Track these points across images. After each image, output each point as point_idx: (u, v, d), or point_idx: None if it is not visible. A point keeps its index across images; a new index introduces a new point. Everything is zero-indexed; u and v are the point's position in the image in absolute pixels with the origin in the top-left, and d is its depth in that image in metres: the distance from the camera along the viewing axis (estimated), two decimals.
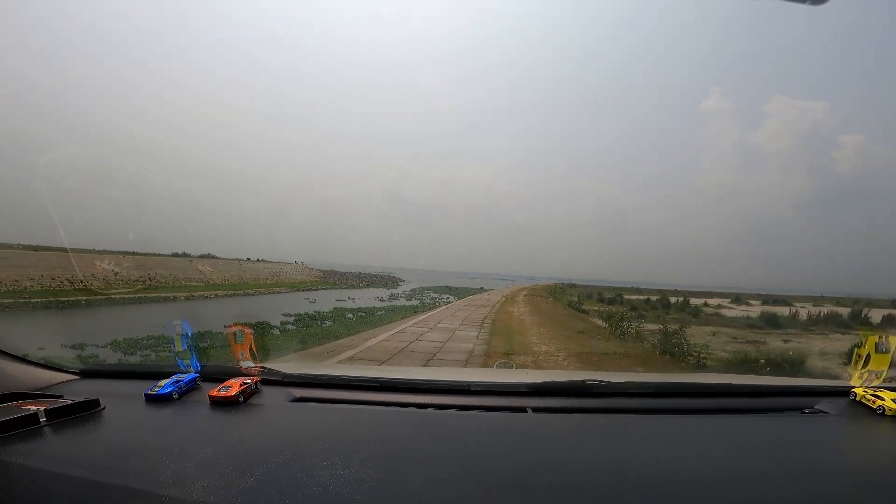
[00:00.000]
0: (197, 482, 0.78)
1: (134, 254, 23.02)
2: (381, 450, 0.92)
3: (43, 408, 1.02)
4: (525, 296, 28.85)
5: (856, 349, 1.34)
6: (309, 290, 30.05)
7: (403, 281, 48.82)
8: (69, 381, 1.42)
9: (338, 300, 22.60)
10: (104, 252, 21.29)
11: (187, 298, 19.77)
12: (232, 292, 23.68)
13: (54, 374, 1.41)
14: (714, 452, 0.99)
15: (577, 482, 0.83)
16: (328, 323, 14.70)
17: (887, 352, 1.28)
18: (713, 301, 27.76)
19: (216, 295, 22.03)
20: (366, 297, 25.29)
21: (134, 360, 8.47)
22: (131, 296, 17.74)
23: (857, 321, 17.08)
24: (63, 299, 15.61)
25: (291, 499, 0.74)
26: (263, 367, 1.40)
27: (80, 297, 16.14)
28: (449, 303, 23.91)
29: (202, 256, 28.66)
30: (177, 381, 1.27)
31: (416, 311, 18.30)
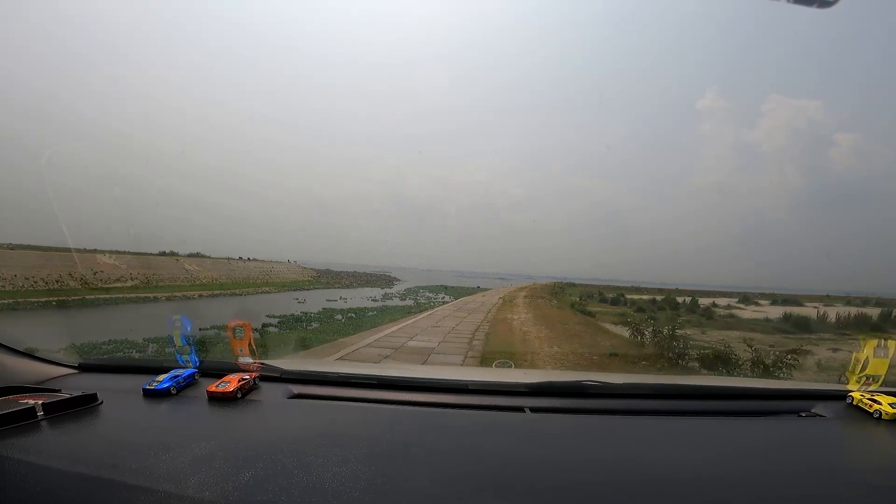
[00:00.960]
0: (194, 477, 0.78)
1: (117, 252, 22.18)
2: (378, 447, 0.92)
3: (40, 402, 1.02)
4: (525, 297, 25.20)
5: (854, 353, 1.33)
6: (300, 289, 29.32)
7: (399, 280, 48.23)
8: (67, 374, 1.41)
9: (328, 300, 21.79)
10: (83, 251, 20.49)
11: (168, 299, 18.87)
12: (218, 292, 22.79)
13: (52, 367, 1.40)
14: (710, 455, 0.98)
15: (574, 482, 0.82)
16: (315, 325, 13.93)
17: (885, 356, 1.26)
18: (721, 301, 26.30)
19: (200, 295, 21.13)
20: (358, 297, 24.51)
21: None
22: (105, 297, 16.77)
23: (890, 322, 15.93)
24: (33, 300, 14.73)
25: (288, 495, 0.73)
26: (262, 364, 1.39)
27: (51, 298, 15.19)
28: (444, 302, 23.06)
29: (191, 255, 27.99)
30: (175, 377, 1.26)
31: (409, 311, 17.52)
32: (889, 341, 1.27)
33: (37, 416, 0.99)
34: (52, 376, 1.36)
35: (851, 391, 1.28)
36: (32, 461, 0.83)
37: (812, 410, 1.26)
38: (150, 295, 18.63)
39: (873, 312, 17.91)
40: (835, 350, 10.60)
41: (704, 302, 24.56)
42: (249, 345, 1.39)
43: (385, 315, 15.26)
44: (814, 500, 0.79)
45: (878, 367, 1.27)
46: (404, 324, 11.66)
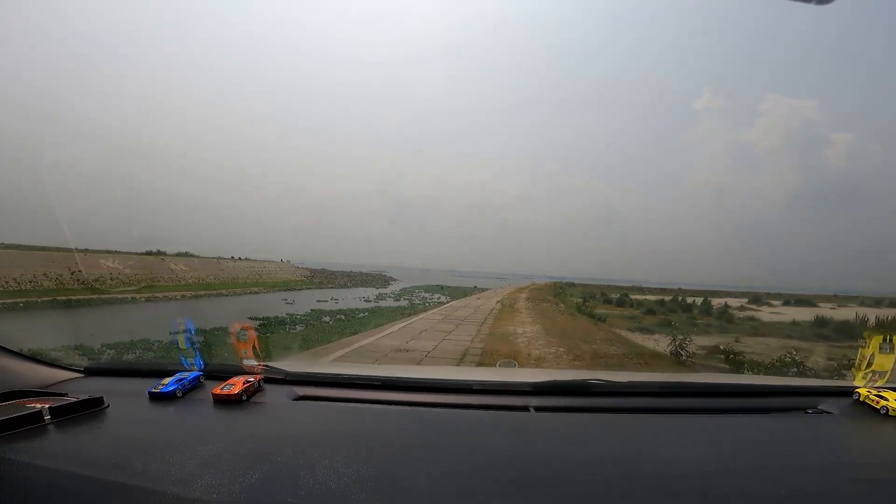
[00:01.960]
0: (200, 480, 0.78)
1: (101, 252, 21.21)
2: (383, 448, 0.92)
3: (47, 405, 1.02)
4: (527, 300, 22.15)
5: (860, 349, 1.31)
6: (291, 289, 28.42)
7: (395, 280, 47.40)
8: (73, 378, 1.42)
9: (318, 301, 20.87)
10: (61, 250, 19.55)
11: (148, 300, 17.86)
12: (203, 293, 21.80)
13: (59, 371, 1.41)
14: (717, 452, 0.97)
15: (579, 481, 0.82)
16: (300, 327, 13.04)
17: (892, 352, 1.24)
18: (730, 301, 24.37)
19: (183, 296, 20.13)
20: (350, 298, 23.58)
21: None
22: (79, 298, 15.77)
23: None
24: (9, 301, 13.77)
25: (294, 496, 0.73)
26: (266, 366, 1.39)
27: (18, 300, 14.19)
28: (440, 303, 22.14)
29: (179, 255, 27.11)
30: (180, 380, 1.26)
31: (403, 312, 16.60)
32: (895, 338, 1.24)
33: (44, 420, 0.99)
34: (58, 380, 1.37)
35: (858, 387, 1.27)
36: (40, 464, 0.84)
37: (819, 407, 1.24)
38: (126, 296, 17.59)
39: None
40: None
41: (715, 303, 22.91)
42: (254, 347, 1.39)
43: (370, 320, 14.27)
44: (821, 497, 0.78)
45: (885, 363, 1.25)
46: (365, 341, 8.40)
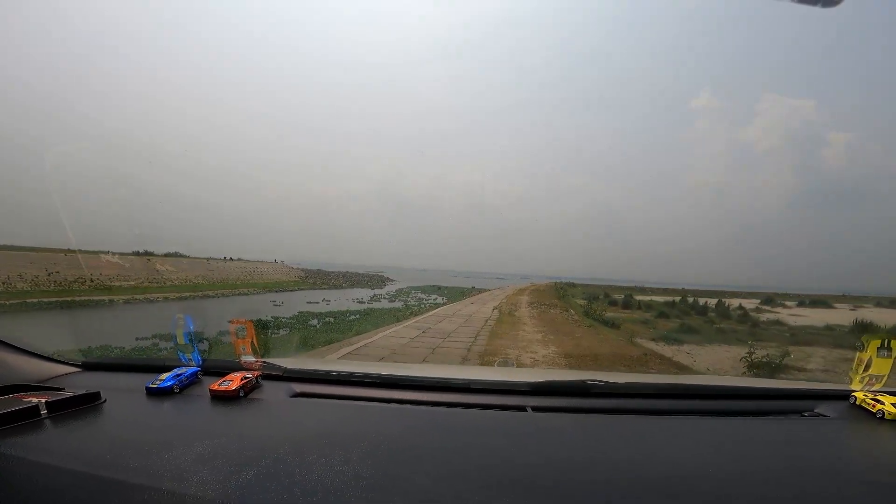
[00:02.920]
0: (196, 476, 0.78)
1: (81, 252, 20.32)
2: (380, 446, 0.92)
3: (44, 400, 1.02)
4: (530, 304, 19.10)
5: (857, 353, 1.30)
6: (283, 290, 27.61)
7: (392, 280, 46.67)
8: (71, 373, 1.42)
9: (309, 302, 20.03)
10: (40, 249, 18.65)
11: (126, 302, 16.95)
12: (188, 294, 20.93)
13: (56, 366, 1.40)
14: (713, 454, 0.97)
15: (576, 482, 0.82)
16: (283, 331, 12.21)
17: (889, 356, 1.25)
18: (744, 303, 22.49)
19: (165, 297, 19.23)
20: (343, 299, 22.70)
21: None
22: (52, 300, 14.86)
23: None
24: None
25: (290, 494, 0.73)
26: (264, 362, 1.39)
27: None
28: (437, 304, 21.23)
29: (168, 255, 26.26)
30: (178, 375, 1.26)
31: (397, 314, 15.72)
32: (893, 341, 1.25)
33: (40, 415, 0.99)
34: (55, 375, 1.36)
35: (854, 391, 1.27)
36: (36, 459, 0.84)
37: (815, 410, 1.25)
38: (104, 298, 16.67)
39: None
40: None
41: (726, 304, 21.17)
42: (252, 343, 1.37)
43: (355, 324, 13.32)
44: (816, 500, 0.79)
45: (882, 367, 1.26)
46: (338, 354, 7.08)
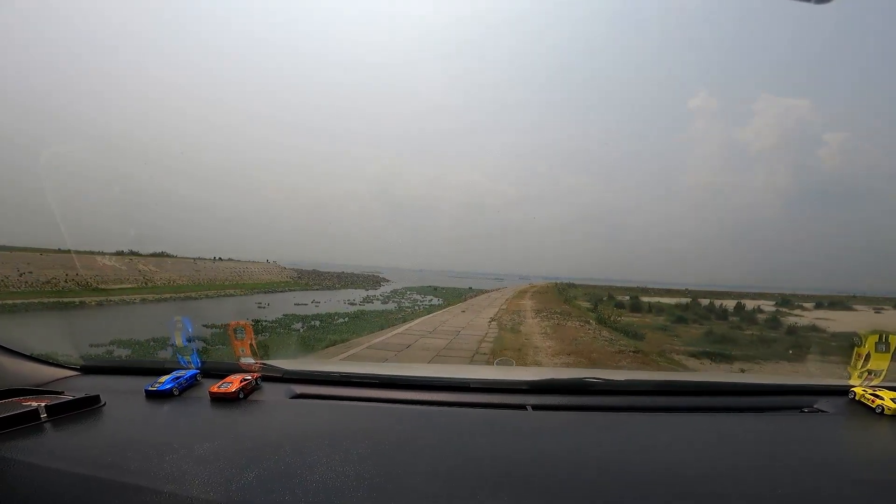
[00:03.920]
0: (196, 478, 0.77)
1: (56, 251, 19.28)
2: (380, 446, 0.92)
3: (44, 404, 1.02)
4: (536, 312, 15.00)
5: (855, 348, 1.30)
6: (273, 291, 26.53)
7: (388, 281, 45.74)
8: (70, 376, 1.40)
9: (297, 304, 18.99)
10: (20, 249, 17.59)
11: (99, 304, 15.88)
12: (168, 295, 19.85)
13: (55, 370, 1.40)
14: (713, 450, 0.97)
15: (576, 479, 0.81)
16: (265, 335, 11.18)
17: (887, 351, 1.24)
18: (755, 304, 21.04)
19: (143, 299, 18.16)
20: (334, 301, 21.66)
21: None
22: (16, 302, 13.80)
23: None
24: None
25: (291, 495, 0.73)
26: (264, 364, 1.38)
27: None
28: (432, 306, 20.21)
29: (154, 255, 25.24)
30: (177, 378, 1.25)
31: (390, 316, 14.69)
32: (891, 336, 1.24)
33: (40, 418, 0.99)
34: (55, 378, 1.35)
35: (853, 386, 1.27)
36: (36, 463, 0.83)
37: (814, 406, 1.24)
38: (75, 300, 15.59)
39: None
40: None
41: (746, 305, 19.59)
42: (251, 345, 1.36)
43: (355, 324, 12.30)
44: (816, 496, 0.78)
45: (880, 362, 1.25)
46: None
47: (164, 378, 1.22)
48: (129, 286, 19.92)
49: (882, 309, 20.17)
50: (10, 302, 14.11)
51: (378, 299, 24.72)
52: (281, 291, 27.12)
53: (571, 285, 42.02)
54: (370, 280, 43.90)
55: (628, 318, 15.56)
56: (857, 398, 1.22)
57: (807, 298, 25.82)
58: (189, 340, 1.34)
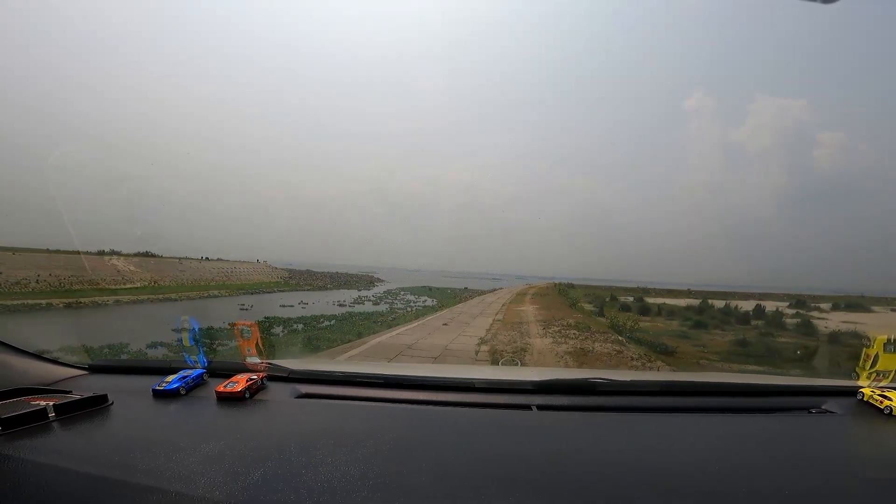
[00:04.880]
0: (203, 477, 0.78)
1: (35, 250, 18.27)
2: (385, 446, 0.92)
3: (52, 403, 1.03)
4: (545, 324, 12.00)
5: (864, 349, 1.28)
6: (260, 292, 25.55)
7: (382, 281, 44.88)
8: (78, 376, 1.42)
9: (283, 306, 18.10)
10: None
11: (68, 306, 14.91)
12: (146, 297, 18.86)
13: (63, 369, 1.41)
14: (719, 451, 0.96)
15: (581, 480, 0.81)
16: (233, 343, 10.19)
17: (895, 352, 1.23)
18: (780, 306, 19.84)
19: (118, 301, 17.20)
20: (323, 302, 20.73)
21: None
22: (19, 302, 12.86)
23: None
24: None
25: (297, 494, 0.73)
26: (270, 364, 1.39)
27: None
28: (426, 307, 19.29)
29: (138, 255, 24.25)
30: (184, 377, 1.26)
31: (385, 319, 13.80)
32: None
33: (49, 417, 1.00)
34: (63, 377, 1.37)
35: (862, 387, 1.26)
36: (45, 461, 0.84)
37: (822, 407, 1.23)
38: (48, 301, 14.59)
39: None
40: None
41: (767, 307, 17.97)
42: (257, 345, 1.37)
43: (344, 328, 11.35)
44: (824, 496, 0.78)
45: (889, 363, 1.24)
46: None
47: (171, 377, 1.23)
48: (109, 286, 18.90)
49: None
50: (9, 302, 13.13)
51: (370, 300, 23.79)
52: (269, 292, 26.18)
53: (570, 286, 41.24)
54: (364, 280, 42.99)
55: (646, 324, 13.85)
56: (865, 399, 1.22)
57: (818, 299, 24.86)
58: (195, 340, 1.33)
